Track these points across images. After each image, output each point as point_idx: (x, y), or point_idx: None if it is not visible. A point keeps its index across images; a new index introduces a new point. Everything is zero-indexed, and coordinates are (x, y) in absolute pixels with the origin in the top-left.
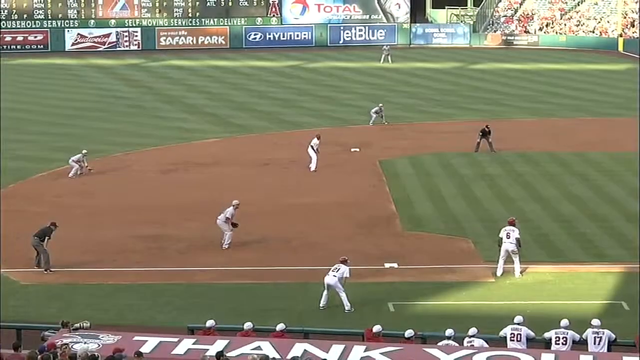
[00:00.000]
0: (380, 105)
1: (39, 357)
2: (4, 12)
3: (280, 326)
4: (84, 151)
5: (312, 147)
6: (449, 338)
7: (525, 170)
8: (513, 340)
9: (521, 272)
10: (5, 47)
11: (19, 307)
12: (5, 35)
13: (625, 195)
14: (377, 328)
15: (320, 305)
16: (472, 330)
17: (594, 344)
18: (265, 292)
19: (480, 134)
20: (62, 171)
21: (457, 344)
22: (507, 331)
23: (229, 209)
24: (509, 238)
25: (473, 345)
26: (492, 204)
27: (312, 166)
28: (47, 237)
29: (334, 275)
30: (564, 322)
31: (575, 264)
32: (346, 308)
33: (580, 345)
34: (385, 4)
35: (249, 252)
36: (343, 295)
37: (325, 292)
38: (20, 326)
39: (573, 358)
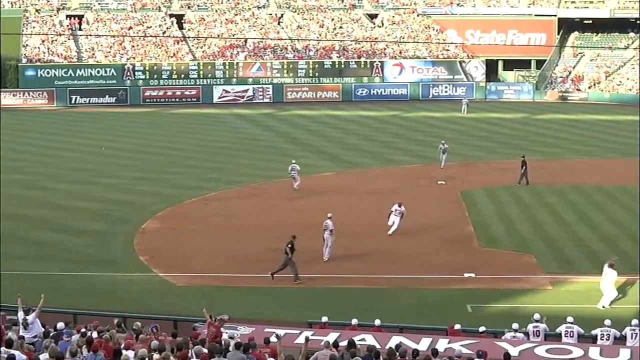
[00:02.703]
0: (443, 141)
1: (190, 343)
2: (166, 72)
3: (377, 322)
4: (293, 161)
5: (393, 212)
6: (515, 331)
7: (578, 199)
8: (567, 336)
9: None
10: (167, 100)
11: (175, 304)
12: (167, 91)
13: None
14: (457, 325)
15: (601, 306)
16: (537, 316)
17: (632, 338)
18: (367, 295)
19: (522, 165)
20: (210, 197)
21: (523, 336)
22: (562, 329)
23: (328, 222)
24: None
25: (538, 330)
26: (551, 226)
27: (390, 231)
28: (289, 248)
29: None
30: (607, 321)
31: (619, 275)
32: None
33: (620, 340)
34: (465, 67)
35: (354, 263)
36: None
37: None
38: (176, 318)
39: (614, 351)
